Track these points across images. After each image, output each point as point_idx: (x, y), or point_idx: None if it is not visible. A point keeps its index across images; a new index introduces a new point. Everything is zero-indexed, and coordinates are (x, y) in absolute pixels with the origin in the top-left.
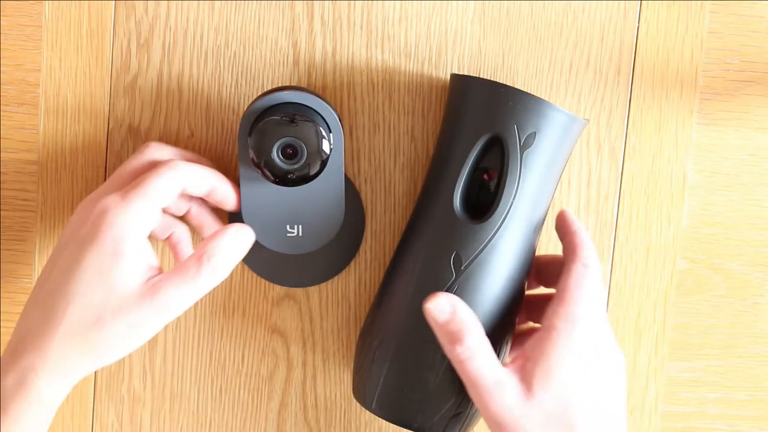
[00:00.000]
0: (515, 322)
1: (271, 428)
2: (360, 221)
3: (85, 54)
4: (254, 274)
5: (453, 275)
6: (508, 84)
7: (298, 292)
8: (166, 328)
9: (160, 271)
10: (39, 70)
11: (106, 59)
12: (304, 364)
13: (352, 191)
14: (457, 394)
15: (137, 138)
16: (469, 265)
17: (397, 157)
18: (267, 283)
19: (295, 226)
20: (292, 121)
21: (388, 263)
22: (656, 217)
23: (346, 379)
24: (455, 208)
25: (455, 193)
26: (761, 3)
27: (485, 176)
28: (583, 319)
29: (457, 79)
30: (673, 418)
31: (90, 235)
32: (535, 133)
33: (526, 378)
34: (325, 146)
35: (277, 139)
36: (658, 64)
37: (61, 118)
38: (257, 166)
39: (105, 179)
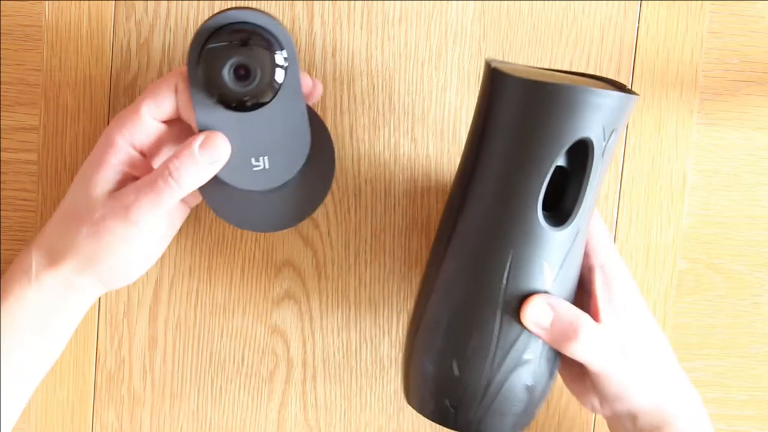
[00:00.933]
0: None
1: (271, 428)
2: (329, 151)
3: (85, 54)
4: (252, 275)
5: (545, 285)
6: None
7: (298, 291)
8: (166, 327)
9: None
10: (39, 70)
11: (106, 59)
12: (304, 364)
13: (316, 122)
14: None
15: None
16: (558, 275)
17: (397, 157)
18: (267, 282)
19: (261, 158)
20: (242, 40)
21: (388, 263)
22: (656, 217)
23: (346, 378)
24: (539, 218)
25: (538, 203)
26: (761, 3)
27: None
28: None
29: (520, 84)
30: None
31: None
32: (616, 128)
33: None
34: (280, 61)
35: (227, 60)
36: (658, 64)
37: (61, 118)
38: (210, 91)
39: None
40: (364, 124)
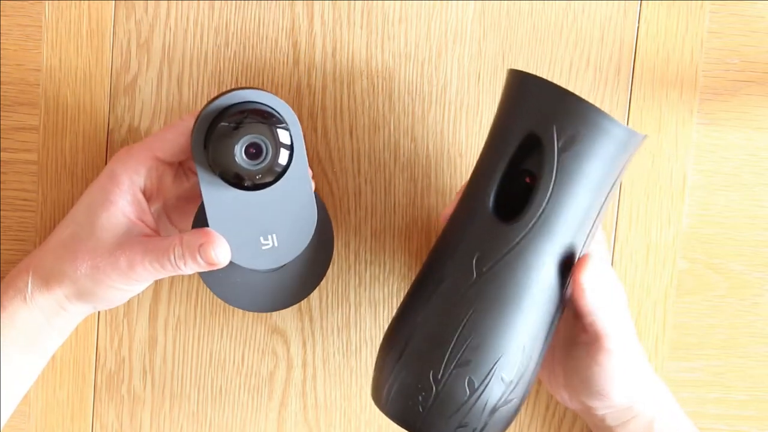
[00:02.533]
0: (548, 330)
1: (271, 428)
2: (328, 230)
3: (85, 54)
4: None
5: (474, 276)
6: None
7: None
8: (166, 327)
9: (151, 229)
10: (39, 70)
11: (106, 59)
12: (304, 364)
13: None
14: (462, 405)
15: (137, 138)
16: (492, 267)
17: (397, 157)
18: None
19: (270, 237)
20: (251, 118)
21: (388, 263)
22: (656, 217)
23: (346, 378)
24: (488, 207)
25: (490, 191)
26: (761, 3)
27: (528, 179)
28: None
29: (510, 74)
30: None
31: (95, 180)
32: (575, 136)
33: None
34: (288, 140)
35: (239, 140)
36: (658, 64)
37: (61, 118)
38: (221, 171)
39: None
40: (364, 124)
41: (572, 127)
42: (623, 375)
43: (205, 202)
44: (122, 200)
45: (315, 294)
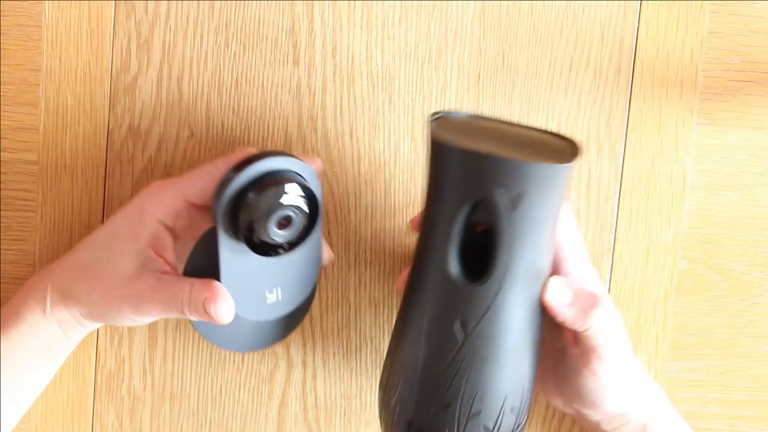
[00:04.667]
0: (534, 370)
1: (271, 428)
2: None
3: (85, 54)
4: None
5: (460, 340)
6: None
7: None
8: (166, 327)
9: (170, 266)
10: (39, 70)
11: (106, 59)
12: (304, 364)
13: None
14: None
15: (137, 138)
16: (475, 327)
17: (397, 158)
18: None
19: (275, 290)
20: (285, 192)
21: (388, 263)
22: (656, 217)
23: (346, 379)
24: (453, 273)
25: (451, 258)
26: (761, 3)
27: (479, 228)
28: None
29: (436, 145)
30: None
31: (123, 208)
32: (520, 194)
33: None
34: (315, 208)
35: (274, 213)
36: (658, 64)
37: (61, 118)
38: (248, 240)
39: (105, 179)
40: (364, 125)
41: (517, 187)
42: (616, 385)
43: (221, 260)
44: (146, 236)
45: (315, 294)
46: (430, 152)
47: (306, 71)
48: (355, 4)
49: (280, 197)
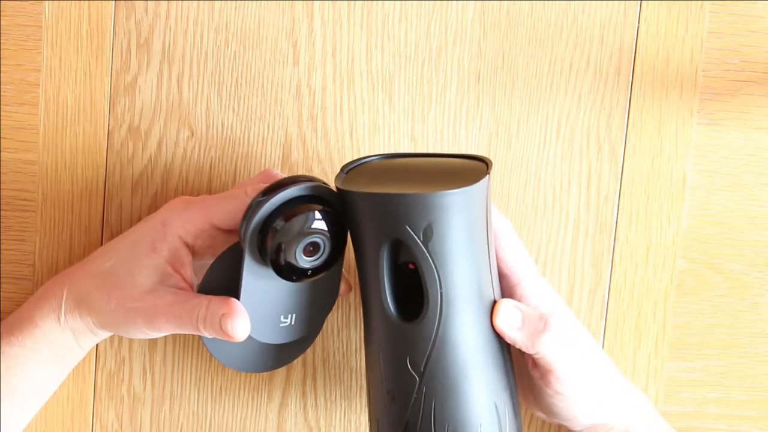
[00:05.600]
0: (508, 385)
1: (271, 428)
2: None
3: (85, 54)
4: None
5: (417, 378)
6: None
7: None
8: None
9: (187, 283)
10: (39, 70)
11: (106, 59)
12: (304, 364)
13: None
14: None
15: (137, 138)
16: (426, 363)
17: None
18: None
19: (289, 315)
20: (315, 216)
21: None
22: (656, 217)
23: (346, 379)
24: (391, 316)
25: (385, 302)
26: (761, 3)
27: (410, 266)
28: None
29: (342, 195)
30: (673, 418)
31: (147, 220)
32: (430, 224)
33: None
34: (341, 235)
35: (303, 240)
36: (658, 64)
37: (61, 118)
38: (275, 265)
39: (105, 179)
40: (364, 125)
41: (423, 219)
42: (583, 400)
43: (243, 282)
44: (166, 250)
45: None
46: (341, 204)
47: (306, 71)
48: (355, 4)
49: (311, 223)
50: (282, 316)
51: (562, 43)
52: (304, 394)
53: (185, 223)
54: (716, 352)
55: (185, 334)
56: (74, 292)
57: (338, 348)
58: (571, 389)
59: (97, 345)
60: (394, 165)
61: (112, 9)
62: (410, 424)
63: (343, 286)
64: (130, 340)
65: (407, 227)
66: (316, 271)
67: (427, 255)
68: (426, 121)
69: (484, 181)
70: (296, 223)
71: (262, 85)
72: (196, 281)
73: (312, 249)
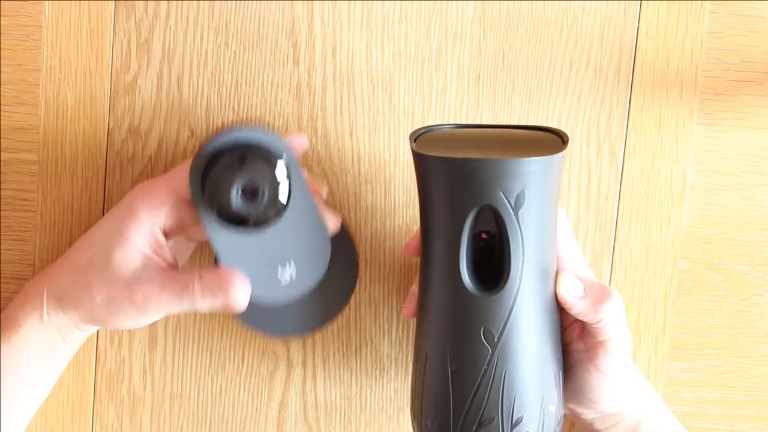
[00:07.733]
0: (560, 362)
1: (271, 428)
2: (351, 251)
3: (85, 54)
4: None
5: (489, 350)
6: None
7: None
8: (166, 327)
9: (168, 263)
10: (39, 70)
11: (106, 59)
12: (304, 364)
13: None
14: None
15: (137, 138)
16: (501, 336)
17: (397, 158)
18: None
19: (286, 268)
20: (243, 160)
21: (388, 263)
22: (656, 217)
23: (346, 379)
24: (468, 287)
25: (462, 273)
26: (761, 3)
27: (483, 235)
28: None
29: (428, 161)
30: None
31: (114, 209)
32: (523, 191)
33: None
34: (282, 175)
35: (233, 183)
36: (658, 64)
37: (61, 118)
38: (219, 216)
39: (105, 179)
40: (364, 125)
41: (518, 186)
42: (617, 382)
43: (213, 244)
44: (138, 237)
45: (357, 278)
46: (421, 170)
47: (306, 71)
48: (355, 4)
49: (238, 167)
50: (279, 272)
51: (562, 43)
52: (304, 394)
53: (152, 203)
54: (716, 352)
55: (185, 335)
56: (54, 289)
57: (338, 348)
58: (612, 366)
59: (97, 345)
60: (462, 134)
61: (112, 9)
62: (478, 396)
63: (330, 222)
64: (130, 340)
65: (501, 193)
66: (264, 214)
67: (516, 223)
68: (426, 121)
69: (566, 150)
70: (224, 166)
71: (262, 85)
72: (179, 260)
73: (251, 193)
